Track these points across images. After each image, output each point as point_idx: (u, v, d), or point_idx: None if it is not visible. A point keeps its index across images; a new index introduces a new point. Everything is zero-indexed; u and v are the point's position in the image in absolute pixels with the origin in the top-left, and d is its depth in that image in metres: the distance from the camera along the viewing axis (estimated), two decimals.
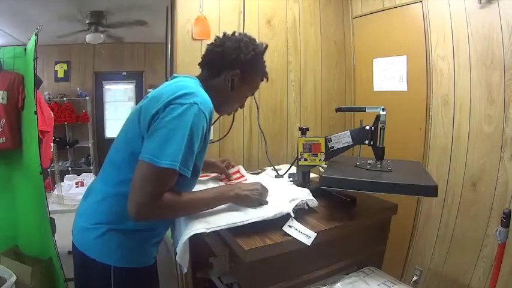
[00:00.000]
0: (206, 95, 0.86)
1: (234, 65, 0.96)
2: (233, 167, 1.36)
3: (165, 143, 0.77)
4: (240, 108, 1.10)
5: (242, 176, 1.32)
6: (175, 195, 0.83)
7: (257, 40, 1.03)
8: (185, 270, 0.94)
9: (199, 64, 1.04)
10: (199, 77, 1.00)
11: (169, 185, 0.80)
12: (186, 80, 0.92)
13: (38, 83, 1.88)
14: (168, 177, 0.79)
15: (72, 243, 0.92)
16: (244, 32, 1.64)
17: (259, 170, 1.57)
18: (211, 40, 1.57)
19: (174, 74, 1.00)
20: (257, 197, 0.97)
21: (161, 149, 0.77)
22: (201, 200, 0.91)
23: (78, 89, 4.85)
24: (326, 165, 1.24)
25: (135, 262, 0.89)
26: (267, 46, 1.05)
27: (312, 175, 1.33)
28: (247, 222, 0.90)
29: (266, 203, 0.99)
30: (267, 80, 1.09)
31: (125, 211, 0.79)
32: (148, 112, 0.82)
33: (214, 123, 1.63)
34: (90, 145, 4.88)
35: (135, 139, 0.84)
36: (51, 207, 2.18)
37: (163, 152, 0.77)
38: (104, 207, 0.88)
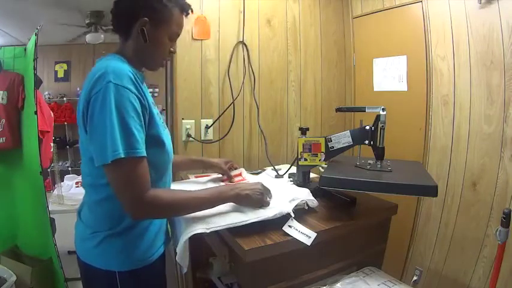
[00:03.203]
0: (117, 64, 0.79)
1: (136, 15, 0.84)
2: (236, 168, 1.35)
3: (103, 140, 0.73)
4: (172, 53, 0.94)
5: (244, 179, 1.32)
6: (172, 193, 0.83)
7: None
8: (185, 270, 0.94)
9: (112, 31, 0.92)
10: (117, 50, 0.91)
11: (139, 173, 0.76)
12: (99, 63, 0.83)
13: (38, 83, 1.89)
14: (127, 168, 0.75)
15: (77, 255, 0.91)
16: (243, 32, 1.67)
17: (259, 170, 1.57)
18: (211, 40, 1.61)
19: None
20: (258, 197, 0.96)
21: (102, 147, 0.73)
22: (200, 198, 0.89)
23: (78, 89, 4.85)
24: (326, 165, 1.24)
25: (137, 262, 0.88)
26: None
27: (312, 175, 1.33)
28: (247, 222, 0.90)
29: (267, 204, 0.98)
30: (191, 11, 0.94)
31: (111, 214, 0.81)
32: (79, 114, 0.79)
33: (214, 123, 1.63)
34: None
35: (87, 144, 0.81)
36: (51, 207, 2.17)
37: (105, 150, 0.73)
38: (92, 216, 0.88)
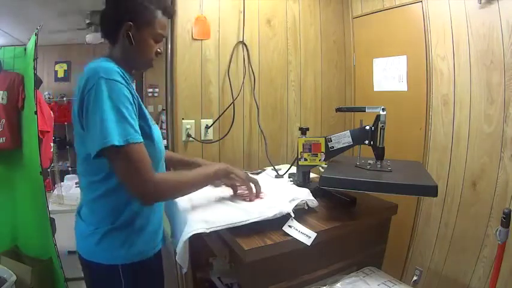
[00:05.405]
0: (107, 63, 0.83)
1: (121, 20, 0.89)
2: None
3: (98, 129, 0.75)
4: (159, 54, 0.97)
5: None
6: (175, 174, 0.94)
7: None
8: (185, 270, 0.94)
9: (101, 37, 0.98)
10: (106, 54, 0.95)
11: (140, 158, 0.78)
12: (89, 65, 0.86)
13: (38, 83, 1.89)
14: (127, 154, 0.77)
15: (78, 254, 0.93)
16: (243, 31, 1.67)
17: (259, 170, 1.57)
18: (211, 40, 1.61)
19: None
20: (240, 172, 1.04)
21: (98, 135, 0.75)
22: (201, 175, 0.96)
23: None
24: (326, 165, 1.24)
25: (139, 255, 0.90)
26: None
27: (312, 175, 1.33)
28: (247, 222, 0.90)
29: (248, 197, 1.04)
30: (172, 13, 0.98)
31: (111, 209, 0.86)
32: (75, 113, 0.83)
33: (214, 123, 1.64)
34: None
35: (82, 141, 0.84)
36: (51, 207, 2.18)
37: (100, 137, 0.75)
38: (92, 214, 0.90)
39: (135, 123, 0.80)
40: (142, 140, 0.80)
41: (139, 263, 0.90)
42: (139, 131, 0.81)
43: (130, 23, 0.88)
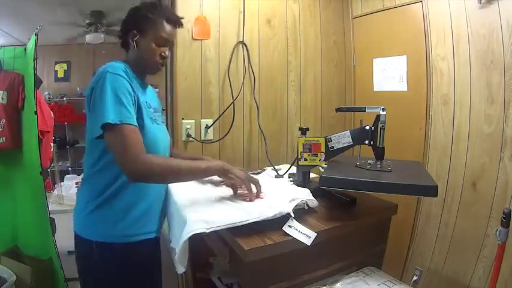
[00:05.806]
0: (117, 63, 0.98)
1: (129, 29, 1.05)
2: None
3: (99, 110, 0.88)
4: (163, 58, 1.07)
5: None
6: (166, 158, 1.02)
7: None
8: (183, 270, 0.94)
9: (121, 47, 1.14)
10: (124, 58, 1.09)
11: (133, 138, 0.88)
12: (104, 64, 0.99)
13: (38, 83, 1.89)
14: (121, 132, 0.87)
15: (74, 232, 1.01)
16: (243, 31, 1.67)
17: (259, 170, 1.57)
18: (211, 40, 1.61)
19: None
20: (240, 172, 1.04)
21: (98, 115, 0.88)
22: (192, 167, 1.00)
23: (78, 89, 4.85)
24: (326, 165, 1.24)
25: (117, 237, 0.96)
26: None
27: (312, 175, 1.33)
28: (247, 222, 0.89)
29: (248, 197, 1.03)
30: (177, 21, 1.09)
31: (99, 184, 0.96)
32: (87, 102, 0.96)
33: (214, 123, 1.64)
34: None
35: (90, 123, 0.96)
36: (51, 207, 2.18)
37: (100, 116, 0.87)
38: (86, 188, 1.01)
39: (132, 110, 0.91)
40: (136, 124, 0.91)
41: (117, 245, 0.96)
42: (134, 117, 0.92)
43: (135, 31, 1.03)
